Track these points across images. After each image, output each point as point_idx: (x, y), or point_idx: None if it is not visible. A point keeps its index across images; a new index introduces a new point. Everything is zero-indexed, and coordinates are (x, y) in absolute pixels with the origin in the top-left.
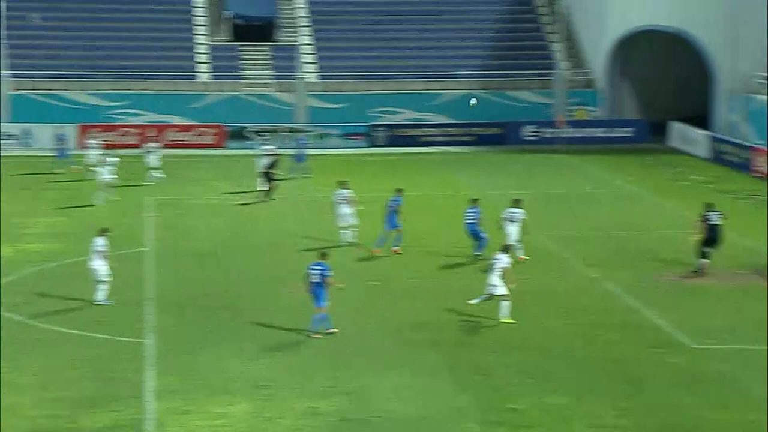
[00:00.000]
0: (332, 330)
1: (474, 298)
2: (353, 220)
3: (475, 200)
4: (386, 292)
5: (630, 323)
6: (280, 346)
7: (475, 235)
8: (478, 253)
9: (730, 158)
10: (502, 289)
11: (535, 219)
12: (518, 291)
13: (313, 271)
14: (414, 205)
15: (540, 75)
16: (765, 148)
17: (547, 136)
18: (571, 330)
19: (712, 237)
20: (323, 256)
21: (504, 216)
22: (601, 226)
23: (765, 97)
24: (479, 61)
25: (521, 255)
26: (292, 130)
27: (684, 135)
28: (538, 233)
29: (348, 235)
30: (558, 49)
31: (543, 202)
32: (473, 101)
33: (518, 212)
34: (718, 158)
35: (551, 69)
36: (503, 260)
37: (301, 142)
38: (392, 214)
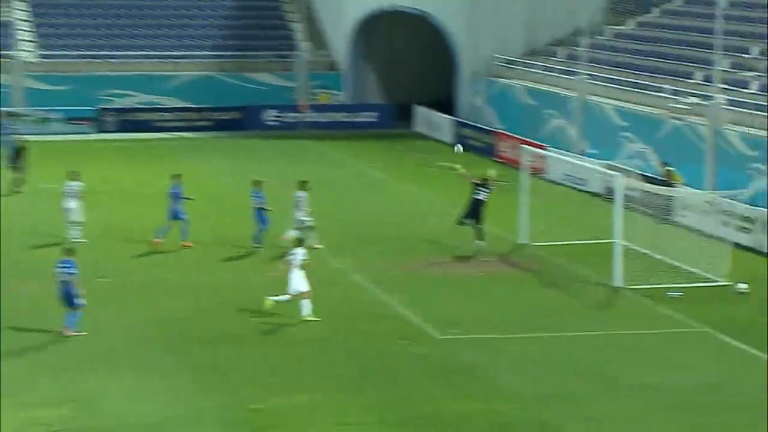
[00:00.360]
0: (74, 333)
1: (273, 297)
2: (80, 216)
3: (258, 182)
4: (127, 289)
5: (379, 315)
6: (2, 351)
7: (262, 220)
8: (258, 244)
9: (475, 143)
10: (303, 286)
11: (280, 207)
12: (266, 283)
13: (59, 269)
14: (157, 195)
15: (280, 56)
16: (507, 132)
17: (290, 120)
18: (320, 324)
19: (473, 212)
20: (69, 252)
21: (296, 200)
22: (346, 214)
23: (506, 81)
24: (215, 41)
25: (315, 243)
26: (9, 114)
27: (429, 119)
28: (283, 222)
29: (76, 233)
30: (298, 30)
31: (287, 189)
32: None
33: (303, 196)
34: (463, 143)
35: (292, 50)
36: (299, 254)
37: (7, 127)
38: (174, 203)
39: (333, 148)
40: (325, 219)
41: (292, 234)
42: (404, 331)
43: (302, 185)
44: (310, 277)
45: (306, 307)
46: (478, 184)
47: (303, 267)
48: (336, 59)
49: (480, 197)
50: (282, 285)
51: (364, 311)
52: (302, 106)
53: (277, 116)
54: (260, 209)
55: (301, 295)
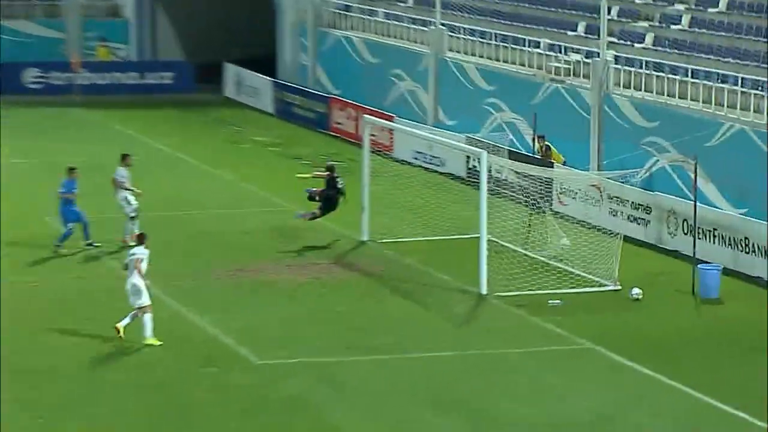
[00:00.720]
0: None
1: (121, 320)
2: None
3: (72, 170)
4: None
5: (180, 336)
6: None
7: (75, 218)
8: (60, 243)
9: (303, 112)
10: (145, 297)
11: (42, 198)
12: (39, 296)
13: None
14: None
15: None
16: (343, 99)
17: (58, 82)
18: (97, 346)
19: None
20: None
21: (116, 179)
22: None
23: (341, 33)
24: None
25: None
26: None
27: (242, 82)
28: (39, 216)
29: None
30: None
31: (54, 173)
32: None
33: (125, 174)
34: (287, 112)
35: None
36: (141, 254)
37: None
38: (67, 202)
39: (116, 119)
40: (110, 212)
41: (133, 230)
42: (214, 356)
43: (124, 160)
44: (88, 287)
45: (148, 326)
46: (332, 177)
47: (142, 271)
48: (119, 3)
49: (340, 186)
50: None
51: (161, 331)
52: (75, 63)
53: (41, 77)
54: (68, 202)
55: (142, 310)
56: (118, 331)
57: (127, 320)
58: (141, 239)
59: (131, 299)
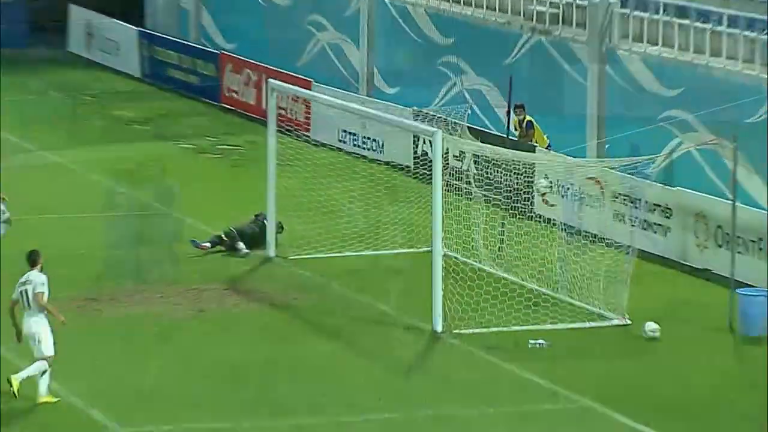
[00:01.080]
0: None
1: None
2: None
3: None
4: None
5: (22, 396)
6: None
7: None
8: None
9: (182, 76)
10: (46, 346)
11: None
12: None
13: None
14: None
15: None
16: (239, 56)
17: None
18: None
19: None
20: None
21: None
22: None
23: None
24: None
25: None
26: None
27: (95, 32)
28: None
29: None
30: None
31: None
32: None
33: None
34: (159, 76)
35: None
36: (37, 281)
37: None
38: None
39: None
40: None
41: None
42: (54, 424)
43: None
44: None
45: (44, 383)
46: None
47: (44, 306)
48: None
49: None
50: None
51: None
52: None
53: None
54: None
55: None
56: (15, 392)
57: (24, 373)
58: (35, 261)
59: (43, 347)
